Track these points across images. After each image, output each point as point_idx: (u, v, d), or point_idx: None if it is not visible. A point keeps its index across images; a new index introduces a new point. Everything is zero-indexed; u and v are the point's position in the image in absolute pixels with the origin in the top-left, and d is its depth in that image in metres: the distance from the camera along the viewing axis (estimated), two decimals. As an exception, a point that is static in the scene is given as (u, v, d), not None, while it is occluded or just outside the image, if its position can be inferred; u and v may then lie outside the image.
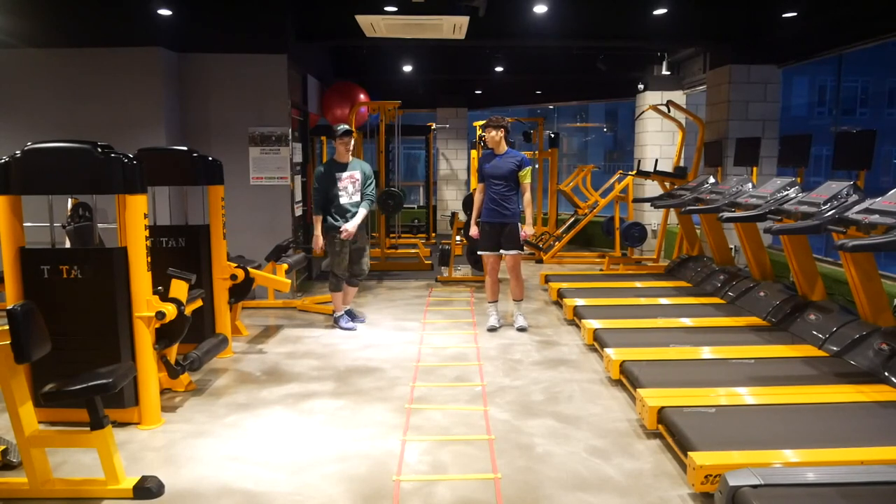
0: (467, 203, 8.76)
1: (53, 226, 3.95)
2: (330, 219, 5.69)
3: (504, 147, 5.77)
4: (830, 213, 4.19)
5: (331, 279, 5.85)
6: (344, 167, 5.69)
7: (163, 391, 4.07)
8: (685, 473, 3.05)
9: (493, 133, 5.71)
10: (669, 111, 8.58)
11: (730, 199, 5.72)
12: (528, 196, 5.73)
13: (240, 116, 6.75)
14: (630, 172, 9.17)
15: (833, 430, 3.28)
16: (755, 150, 6.53)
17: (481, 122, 11.20)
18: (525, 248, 6.47)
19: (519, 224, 5.74)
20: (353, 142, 5.80)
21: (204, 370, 4.65)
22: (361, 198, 5.75)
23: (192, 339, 4.37)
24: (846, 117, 21.87)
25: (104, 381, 2.88)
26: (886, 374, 3.97)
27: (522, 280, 5.95)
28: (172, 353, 4.00)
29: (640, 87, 10.25)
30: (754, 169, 6.59)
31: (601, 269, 8.64)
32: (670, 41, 8.80)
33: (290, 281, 5.51)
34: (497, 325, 5.84)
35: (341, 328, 5.85)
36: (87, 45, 6.31)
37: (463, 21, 6.08)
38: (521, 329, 5.81)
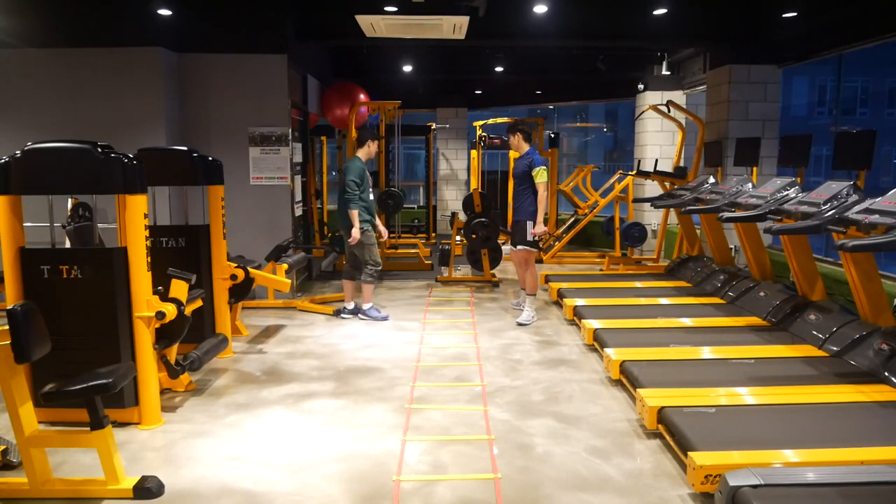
0: (467, 203, 8.76)
1: (53, 226, 3.95)
2: (366, 214, 5.97)
3: (524, 148, 6.04)
4: (830, 213, 4.19)
5: (370, 271, 6.07)
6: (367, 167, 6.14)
7: (163, 391, 4.07)
8: (685, 473, 3.05)
9: (510, 138, 6.09)
10: (669, 111, 8.58)
11: (730, 199, 5.72)
12: (540, 194, 5.89)
13: (240, 116, 6.75)
14: (630, 172, 9.17)
15: (833, 430, 3.28)
16: (755, 150, 6.53)
17: (481, 123, 11.25)
18: (540, 244, 6.71)
19: (528, 222, 5.93)
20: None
21: (204, 370, 4.65)
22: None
23: (192, 339, 4.37)
24: (846, 117, 21.86)
25: (104, 381, 2.88)
26: (886, 374, 3.97)
27: (534, 275, 6.14)
28: (172, 353, 4.00)
29: (640, 87, 10.24)
30: (754, 169, 6.59)
31: (601, 269, 8.64)
32: (670, 41, 8.80)
33: (290, 281, 5.51)
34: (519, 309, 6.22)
35: (374, 318, 6.06)
36: (87, 45, 6.32)
37: (463, 21, 6.08)
38: (519, 324, 5.94)
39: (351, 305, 6.24)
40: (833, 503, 2.53)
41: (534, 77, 11.77)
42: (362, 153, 6.07)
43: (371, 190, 6.11)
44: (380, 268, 6.11)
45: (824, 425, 3.34)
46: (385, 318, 6.09)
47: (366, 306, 6.15)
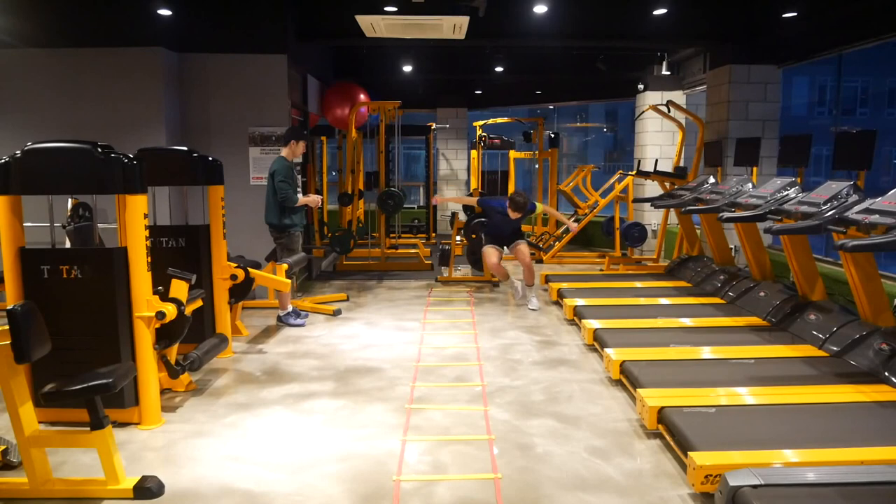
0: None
1: (53, 226, 3.95)
2: (296, 217, 6.00)
3: None
4: (830, 213, 4.19)
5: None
6: None
7: (163, 391, 4.06)
8: (685, 473, 3.05)
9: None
10: (669, 111, 8.58)
11: (730, 199, 5.72)
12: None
13: (240, 116, 6.75)
14: (630, 172, 9.17)
15: (833, 430, 3.28)
16: (755, 150, 6.53)
17: (481, 123, 11.24)
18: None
19: None
20: None
21: (204, 370, 4.65)
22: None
23: (192, 339, 4.37)
24: (846, 117, 21.85)
25: (104, 381, 2.88)
26: (886, 374, 3.97)
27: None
28: (172, 353, 4.00)
29: (640, 87, 10.24)
30: (754, 169, 6.59)
31: (601, 269, 8.64)
32: (670, 41, 8.79)
33: (290, 281, 5.51)
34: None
35: (290, 325, 5.99)
36: (87, 45, 6.31)
37: (463, 21, 6.08)
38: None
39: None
40: (833, 503, 2.53)
41: (534, 77, 11.77)
42: (286, 152, 5.90)
43: (299, 190, 5.98)
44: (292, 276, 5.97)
45: (824, 425, 3.34)
46: (302, 325, 5.96)
47: (282, 313, 6.02)
